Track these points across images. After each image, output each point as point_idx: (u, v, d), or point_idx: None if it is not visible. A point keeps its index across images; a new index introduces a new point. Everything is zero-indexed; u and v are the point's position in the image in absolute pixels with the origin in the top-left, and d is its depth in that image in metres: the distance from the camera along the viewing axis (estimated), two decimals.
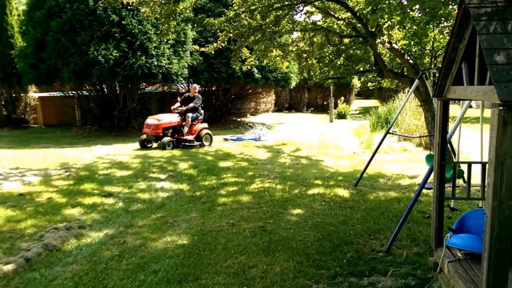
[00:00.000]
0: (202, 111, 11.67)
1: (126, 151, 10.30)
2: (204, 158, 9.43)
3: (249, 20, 7.36)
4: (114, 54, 11.40)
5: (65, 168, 7.92)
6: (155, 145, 10.95)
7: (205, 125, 11.79)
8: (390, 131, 6.86)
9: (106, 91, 14.29)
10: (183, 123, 11.15)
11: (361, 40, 7.54)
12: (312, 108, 27.54)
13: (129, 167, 8.19)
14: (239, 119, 19.39)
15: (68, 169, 7.80)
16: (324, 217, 4.99)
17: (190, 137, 11.17)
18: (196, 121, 11.39)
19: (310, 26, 7.87)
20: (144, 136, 10.85)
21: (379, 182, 6.96)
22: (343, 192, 6.17)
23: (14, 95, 16.41)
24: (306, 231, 4.49)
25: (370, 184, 6.77)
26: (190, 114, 11.15)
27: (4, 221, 4.86)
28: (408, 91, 6.99)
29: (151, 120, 10.98)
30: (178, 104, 11.43)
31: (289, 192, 6.22)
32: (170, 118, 10.99)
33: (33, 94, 17.33)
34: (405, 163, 8.67)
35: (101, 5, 11.22)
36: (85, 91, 14.38)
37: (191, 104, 11.15)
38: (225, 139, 13.08)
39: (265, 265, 3.64)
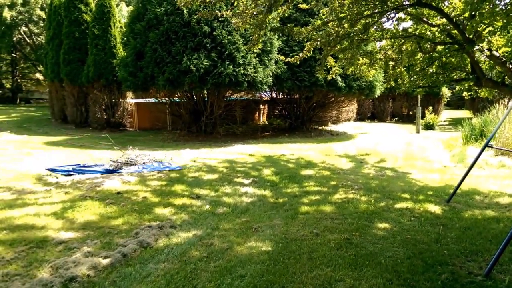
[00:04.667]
0: None
1: (212, 155, 10.69)
2: (286, 165, 9.47)
3: (336, 28, 7.29)
4: (205, 63, 11.96)
5: (158, 170, 8.41)
6: None
7: None
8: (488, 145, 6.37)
9: (195, 98, 15.03)
10: None
11: (456, 47, 7.11)
12: (396, 118, 26.47)
13: (215, 171, 8.50)
14: (320, 128, 19.24)
15: (160, 171, 8.29)
16: (414, 233, 4.75)
17: None
18: None
19: (400, 33, 7.60)
20: None
21: (474, 199, 6.48)
22: (434, 208, 5.83)
23: (113, 100, 17.82)
24: (395, 247, 4.31)
25: (464, 201, 6.33)
26: None
27: (104, 218, 5.26)
28: (509, 102, 6.45)
29: None
30: None
31: (375, 205, 6.02)
32: None
33: (130, 100, 18.75)
34: (504, 179, 7.98)
35: (195, 17, 11.87)
36: (176, 98, 15.27)
37: None
38: (51, 170, 8.17)
39: (352, 280, 3.55)
